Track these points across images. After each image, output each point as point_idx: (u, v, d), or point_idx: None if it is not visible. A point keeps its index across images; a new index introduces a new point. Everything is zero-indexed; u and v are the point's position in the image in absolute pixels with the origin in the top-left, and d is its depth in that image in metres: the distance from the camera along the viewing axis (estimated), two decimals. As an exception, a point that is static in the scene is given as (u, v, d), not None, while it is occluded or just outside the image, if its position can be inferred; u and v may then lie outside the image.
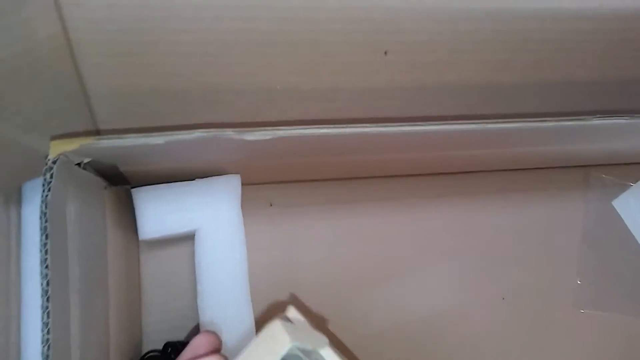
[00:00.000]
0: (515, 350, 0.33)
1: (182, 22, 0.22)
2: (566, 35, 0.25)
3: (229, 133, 0.21)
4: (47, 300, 0.19)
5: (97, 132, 0.25)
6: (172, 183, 0.28)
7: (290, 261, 0.32)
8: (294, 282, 0.32)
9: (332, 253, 0.32)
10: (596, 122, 0.24)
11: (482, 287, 0.34)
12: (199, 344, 0.23)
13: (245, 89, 0.25)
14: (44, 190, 0.20)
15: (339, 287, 0.32)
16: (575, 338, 0.34)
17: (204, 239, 0.28)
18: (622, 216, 0.36)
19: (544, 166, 0.35)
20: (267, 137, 0.21)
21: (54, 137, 0.22)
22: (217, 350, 0.24)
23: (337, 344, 0.31)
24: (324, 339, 0.23)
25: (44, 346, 0.19)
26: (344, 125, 0.22)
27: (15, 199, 0.23)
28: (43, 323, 0.19)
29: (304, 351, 0.22)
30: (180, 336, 0.30)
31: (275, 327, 0.21)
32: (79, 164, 0.23)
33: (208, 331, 0.24)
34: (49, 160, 0.20)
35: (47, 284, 0.19)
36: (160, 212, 0.27)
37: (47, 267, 0.19)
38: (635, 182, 0.36)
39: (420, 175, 0.34)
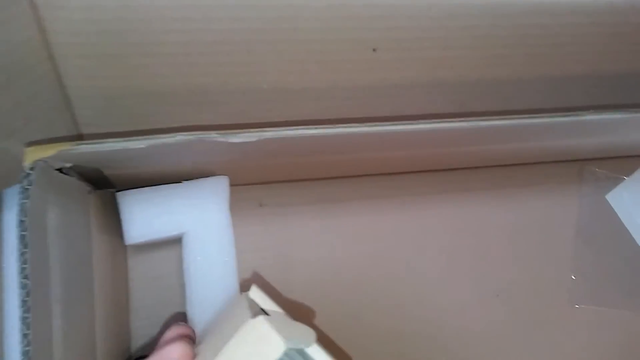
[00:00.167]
0: (511, 346, 0.33)
1: (165, 23, 0.22)
2: (561, 30, 0.25)
3: (214, 135, 0.20)
4: (27, 311, 0.19)
5: (79, 137, 0.25)
6: (158, 186, 0.27)
7: (282, 262, 0.32)
8: (286, 283, 0.31)
9: (325, 253, 0.32)
10: (591, 117, 0.24)
11: (476, 285, 0.33)
12: (169, 335, 0.23)
13: (232, 89, 0.24)
14: (21, 198, 0.19)
15: (332, 287, 0.32)
16: (571, 334, 0.34)
17: (192, 242, 0.28)
18: (616, 210, 0.35)
19: (537, 161, 0.35)
20: (253, 139, 0.21)
21: (32, 143, 0.21)
22: (187, 336, 0.23)
23: (330, 344, 0.31)
24: (310, 332, 0.21)
25: (23, 358, 0.18)
26: (333, 126, 0.21)
27: (-5, 206, 0.22)
28: (22, 335, 0.19)
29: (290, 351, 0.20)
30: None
31: (262, 327, 0.19)
32: (60, 169, 0.23)
33: (178, 324, 0.24)
34: (26, 167, 0.20)
35: (27, 294, 0.19)
36: (146, 215, 0.27)
37: (26, 277, 0.19)
38: (628, 175, 0.36)
39: (412, 172, 0.34)
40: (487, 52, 0.26)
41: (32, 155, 0.19)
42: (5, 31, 0.20)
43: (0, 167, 0.22)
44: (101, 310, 0.26)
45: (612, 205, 0.35)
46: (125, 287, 0.29)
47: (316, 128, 0.21)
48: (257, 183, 0.32)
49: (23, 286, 0.19)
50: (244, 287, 0.30)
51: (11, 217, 0.23)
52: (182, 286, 0.28)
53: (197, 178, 0.28)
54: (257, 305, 0.23)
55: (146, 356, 0.24)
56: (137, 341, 0.29)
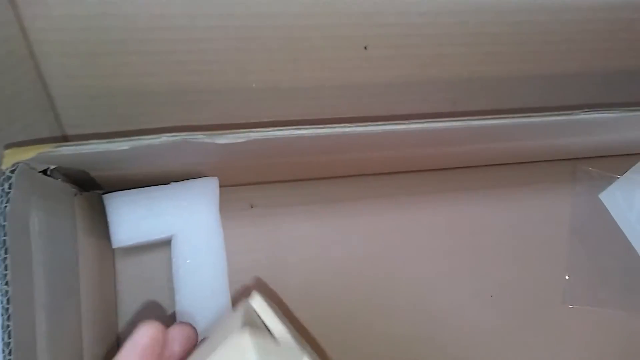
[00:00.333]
0: (505, 347, 0.33)
1: (150, 19, 0.21)
2: (554, 27, 0.25)
3: (200, 137, 0.20)
4: (8, 318, 0.18)
5: (64, 137, 0.24)
6: (146, 187, 0.27)
7: (274, 264, 0.31)
8: (278, 285, 0.31)
9: (318, 254, 0.32)
10: (585, 116, 0.23)
11: (470, 285, 0.33)
12: (174, 336, 0.22)
13: (220, 89, 0.24)
14: (1, 202, 0.19)
15: (326, 289, 0.31)
16: (565, 334, 0.34)
17: (181, 244, 0.27)
18: (609, 209, 0.35)
19: (530, 160, 0.35)
20: (241, 140, 0.20)
21: (14, 144, 0.21)
22: (193, 346, 0.23)
23: (324, 348, 0.31)
24: (298, 354, 0.20)
25: (5, 368, 0.18)
26: (323, 126, 0.21)
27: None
28: (4, 343, 0.18)
29: None
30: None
31: (242, 342, 0.18)
32: (44, 171, 0.22)
33: (181, 322, 0.23)
34: (6, 169, 0.19)
35: (8, 301, 0.18)
36: (134, 218, 0.26)
37: (7, 283, 0.18)
38: (622, 174, 0.35)
39: (404, 172, 0.33)
40: (479, 50, 0.25)
41: (12, 158, 0.19)
42: (-17, 29, 0.19)
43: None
44: (88, 315, 0.25)
45: (606, 204, 0.35)
46: (113, 291, 0.29)
47: (305, 128, 0.20)
48: (247, 184, 0.31)
49: (4, 293, 0.18)
50: (235, 290, 0.30)
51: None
52: (171, 289, 0.27)
53: (185, 179, 0.27)
54: (256, 314, 0.22)
55: None
56: (126, 346, 0.29)
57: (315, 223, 0.32)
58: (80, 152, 0.19)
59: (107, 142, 0.19)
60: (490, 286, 0.33)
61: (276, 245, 0.31)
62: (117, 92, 0.23)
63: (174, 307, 0.27)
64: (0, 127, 0.22)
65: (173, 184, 0.27)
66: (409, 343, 0.32)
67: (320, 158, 0.27)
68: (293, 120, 0.25)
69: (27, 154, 0.19)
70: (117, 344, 0.29)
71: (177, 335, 0.22)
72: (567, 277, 0.34)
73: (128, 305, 0.29)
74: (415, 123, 0.22)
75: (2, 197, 0.19)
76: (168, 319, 0.29)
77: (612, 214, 0.35)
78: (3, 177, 0.19)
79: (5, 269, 0.18)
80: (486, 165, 0.34)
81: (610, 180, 0.35)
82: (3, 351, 0.18)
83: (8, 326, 0.18)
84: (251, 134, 0.20)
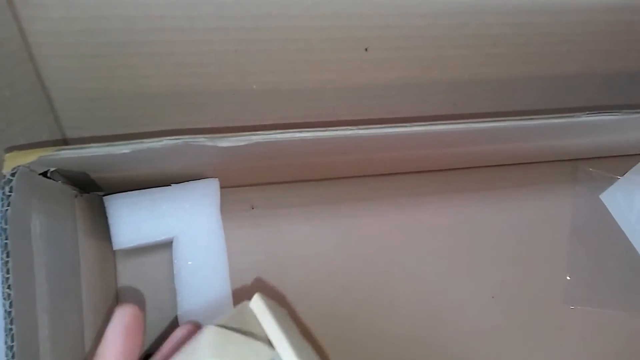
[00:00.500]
0: (506, 347, 0.33)
1: (149, 21, 0.21)
2: (554, 29, 0.25)
3: (201, 140, 0.20)
4: (11, 322, 0.18)
5: (63, 140, 0.24)
6: (147, 189, 0.27)
7: (275, 265, 0.31)
8: (278, 286, 0.31)
9: (318, 255, 0.32)
10: (586, 118, 0.23)
11: (472, 285, 0.33)
12: (178, 335, 0.22)
13: (220, 91, 0.24)
14: (2, 205, 0.19)
15: (326, 289, 0.31)
16: (566, 334, 0.34)
17: (182, 246, 0.27)
18: (610, 210, 0.35)
19: (531, 161, 0.35)
20: (242, 143, 0.20)
21: (14, 147, 0.21)
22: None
23: (324, 348, 0.31)
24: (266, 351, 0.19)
25: (8, 372, 0.18)
26: (324, 129, 0.21)
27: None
28: (7, 346, 0.18)
29: None
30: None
31: (205, 338, 0.18)
32: (44, 174, 0.22)
33: (190, 322, 0.23)
34: (7, 173, 0.19)
35: (10, 305, 0.18)
36: (135, 220, 0.26)
37: (9, 287, 0.18)
38: (622, 175, 0.35)
39: (405, 173, 0.33)
40: (479, 51, 0.25)
41: (12, 161, 0.19)
42: (-18, 32, 0.19)
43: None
44: (90, 317, 0.25)
45: (606, 205, 0.35)
46: (114, 293, 0.29)
47: (307, 131, 0.20)
48: (248, 185, 0.31)
49: (6, 296, 0.18)
50: (237, 290, 0.30)
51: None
52: (172, 291, 0.27)
53: (186, 181, 0.27)
54: (253, 315, 0.21)
55: (150, 355, 0.23)
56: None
57: (316, 224, 0.32)
58: (81, 156, 0.19)
59: (108, 146, 0.19)
60: (491, 286, 0.33)
61: (277, 246, 0.31)
62: (117, 95, 0.23)
63: (176, 308, 0.27)
64: (0, 129, 0.22)
65: (174, 185, 0.27)
66: (410, 343, 0.32)
67: (321, 159, 0.27)
68: (294, 122, 0.25)
69: (28, 158, 0.19)
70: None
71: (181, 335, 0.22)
72: (568, 278, 0.34)
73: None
74: (416, 125, 0.22)
75: (3, 200, 0.19)
76: (169, 321, 0.29)
77: (612, 214, 0.35)
78: (4, 180, 0.19)
79: (8, 272, 0.18)
80: (487, 166, 0.34)
81: (610, 181, 0.35)
82: (7, 354, 0.18)
83: (11, 329, 0.18)
84: (253, 137, 0.20)
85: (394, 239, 0.33)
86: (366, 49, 0.24)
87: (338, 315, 0.31)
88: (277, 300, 0.31)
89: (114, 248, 0.26)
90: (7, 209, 0.19)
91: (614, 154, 0.36)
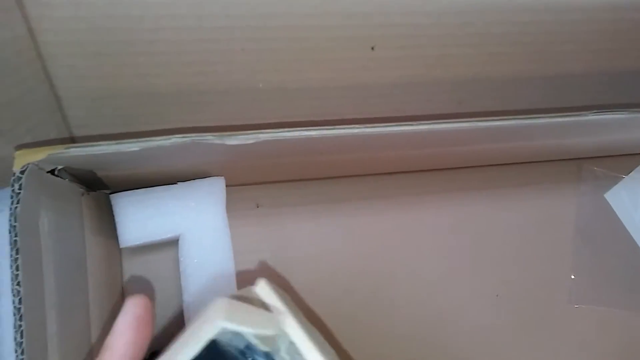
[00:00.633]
0: (511, 347, 0.33)
1: (156, 20, 0.21)
2: (559, 27, 0.25)
3: (209, 138, 0.20)
4: (20, 319, 0.18)
5: (71, 138, 0.24)
6: (153, 187, 0.27)
7: (280, 263, 0.31)
8: (283, 284, 0.31)
9: (323, 254, 0.32)
10: (592, 117, 0.23)
11: (475, 285, 0.33)
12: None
13: (226, 89, 0.24)
14: (12, 203, 0.19)
15: (330, 288, 0.31)
16: (571, 333, 0.34)
17: (188, 244, 0.27)
18: (615, 209, 0.35)
19: (536, 160, 0.35)
20: (250, 141, 0.20)
21: (22, 146, 0.21)
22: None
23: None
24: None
25: (17, 367, 0.18)
26: (330, 127, 0.21)
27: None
28: (16, 343, 0.18)
29: (263, 339, 0.18)
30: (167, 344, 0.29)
31: (216, 305, 0.18)
32: (52, 172, 0.22)
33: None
34: (17, 170, 0.19)
35: (20, 301, 0.18)
36: (141, 217, 0.26)
37: (18, 283, 0.18)
38: (627, 174, 0.35)
39: (410, 172, 0.33)
40: (484, 50, 0.25)
41: (22, 159, 0.19)
42: (-9, 30, 0.19)
43: (-11, 170, 0.22)
44: (97, 314, 0.25)
45: (611, 204, 0.35)
46: (121, 290, 0.29)
47: (314, 129, 0.21)
48: (253, 183, 0.31)
49: (16, 293, 0.18)
50: (242, 287, 0.30)
51: (3, 221, 0.23)
52: (178, 289, 0.28)
53: (192, 179, 0.28)
54: (258, 297, 0.21)
55: (156, 352, 0.23)
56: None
57: (321, 222, 0.32)
58: (90, 153, 0.20)
59: (117, 144, 0.20)
60: (495, 286, 0.33)
61: (281, 245, 0.31)
62: (124, 93, 0.23)
63: (182, 306, 0.27)
64: (8, 127, 0.22)
65: (180, 183, 0.27)
66: (412, 343, 0.32)
67: (327, 158, 0.27)
68: (299, 120, 0.25)
69: (37, 156, 0.19)
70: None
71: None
72: (572, 277, 0.34)
73: (135, 305, 0.29)
74: (421, 124, 0.22)
75: (12, 197, 0.19)
76: (175, 319, 0.29)
77: (617, 213, 0.35)
78: (13, 177, 0.19)
79: (17, 269, 0.18)
80: (491, 165, 0.34)
81: (615, 180, 0.35)
82: (16, 351, 0.18)
83: (20, 326, 0.18)
84: (260, 135, 0.20)
85: (398, 238, 0.33)
86: (373, 48, 0.24)
87: (341, 313, 0.31)
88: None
89: (121, 246, 0.26)
90: (16, 206, 0.19)
91: (619, 153, 0.36)
